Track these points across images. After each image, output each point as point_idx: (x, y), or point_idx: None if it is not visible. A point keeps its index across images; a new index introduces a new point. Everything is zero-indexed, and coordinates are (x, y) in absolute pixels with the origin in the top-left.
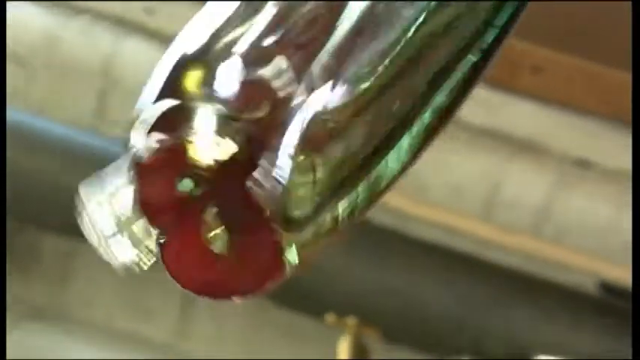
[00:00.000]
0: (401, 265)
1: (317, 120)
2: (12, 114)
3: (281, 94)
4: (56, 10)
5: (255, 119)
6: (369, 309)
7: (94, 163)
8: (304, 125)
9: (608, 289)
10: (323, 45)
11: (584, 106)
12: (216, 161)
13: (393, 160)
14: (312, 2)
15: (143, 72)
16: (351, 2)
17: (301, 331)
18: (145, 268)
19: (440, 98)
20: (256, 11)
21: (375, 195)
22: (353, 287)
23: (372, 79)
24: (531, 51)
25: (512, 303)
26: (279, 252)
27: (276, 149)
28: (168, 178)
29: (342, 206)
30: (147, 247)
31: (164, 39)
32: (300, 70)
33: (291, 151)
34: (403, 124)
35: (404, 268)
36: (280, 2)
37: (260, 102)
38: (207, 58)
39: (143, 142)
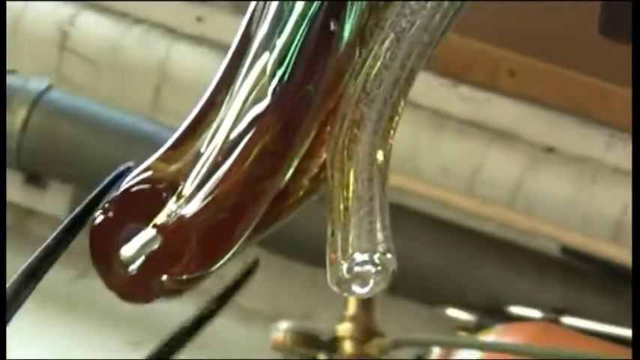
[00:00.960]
0: (399, 231)
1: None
2: (82, 103)
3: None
4: (119, 20)
5: None
6: None
7: (149, 145)
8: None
9: (569, 252)
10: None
11: (551, 102)
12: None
13: None
14: None
15: (191, 72)
16: None
17: (318, 281)
18: None
19: None
20: None
21: None
22: None
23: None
24: (508, 57)
25: (489, 262)
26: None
27: None
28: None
29: None
30: None
31: (210, 43)
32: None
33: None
34: None
35: (401, 234)
36: None
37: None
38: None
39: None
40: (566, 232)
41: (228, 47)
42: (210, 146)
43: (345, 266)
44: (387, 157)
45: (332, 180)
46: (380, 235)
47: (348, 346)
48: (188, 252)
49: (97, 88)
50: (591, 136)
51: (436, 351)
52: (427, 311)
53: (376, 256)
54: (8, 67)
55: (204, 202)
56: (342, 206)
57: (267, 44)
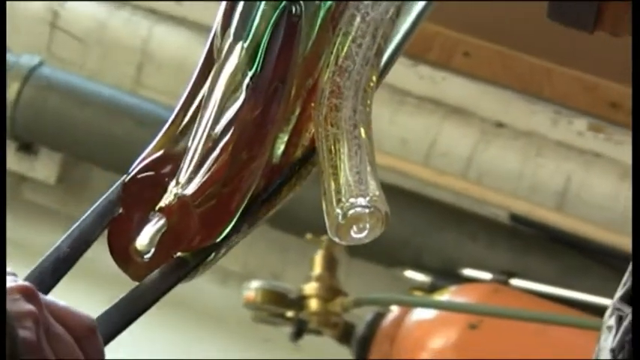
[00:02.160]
0: None
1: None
2: (70, 77)
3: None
4: (106, 2)
5: None
6: None
7: (132, 116)
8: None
9: (517, 219)
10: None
11: (501, 81)
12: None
13: None
14: None
15: (171, 51)
16: None
17: (287, 245)
18: None
19: None
20: None
21: None
22: None
23: None
24: (462, 40)
25: (444, 228)
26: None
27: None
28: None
29: None
30: None
31: (190, 25)
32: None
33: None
34: None
35: None
36: None
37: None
38: None
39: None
40: (514, 200)
41: (206, 28)
42: (197, 135)
43: (339, 212)
44: (367, 120)
45: (320, 147)
46: (368, 182)
47: (313, 304)
48: (193, 228)
49: (85, 65)
50: (538, 112)
51: (394, 309)
52: (386, 273)
53: (367, 199)
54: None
55: (201, 181)
56: (330, 167)
57: (238, 37)
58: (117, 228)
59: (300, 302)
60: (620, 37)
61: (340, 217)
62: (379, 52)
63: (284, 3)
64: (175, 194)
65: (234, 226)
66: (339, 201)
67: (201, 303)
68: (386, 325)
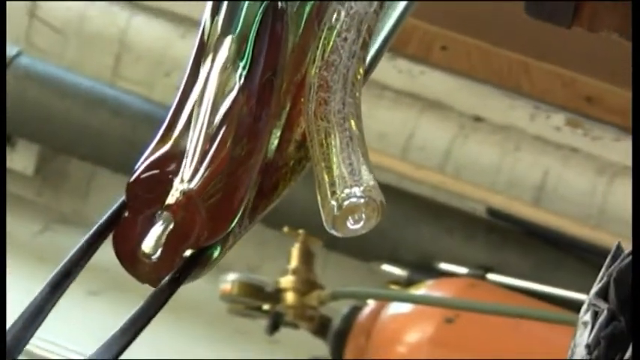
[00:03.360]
0: None
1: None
2: (49, 68)
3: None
4: None
5: None
6: (314, 224)
7: (110, 108)
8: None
9: (494, 213)
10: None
11: (479, 75)
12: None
13: None
14: None
15: (149, 42)
16: None
17: (264, 238)
18: None
19: None
20: None
21: None
22: (303, 208)
23: None
24: (441, 34)
25: (421, 222)
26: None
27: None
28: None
29: None
30: None
31: (168, 16)
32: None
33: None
34: None
35: None
36: None
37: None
38: None
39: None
40: (491, 195)
41: (184, 19)
42: (196, 130)
43: (335, 204)
44: (357, 112)
45: (311, 141)
46: (362, 172)
47: (290, 297)
48: (199, 223)
49: (63, 55)
50: (516, 106)
51: (370, 302)
52: (363, 266)
53: (361, 189)
54: None
55: (204, 175)
56: (323, 160)
57: (226, 31)
58: (122, 231)
59: (276, 295)
60: (597, 32)
61: (335, 208)
62: (365, 45)
63: None
64: (181, 191)
65: (237, 223)
66: (333, 193)
67: (176, 294)
68: (362, 319)
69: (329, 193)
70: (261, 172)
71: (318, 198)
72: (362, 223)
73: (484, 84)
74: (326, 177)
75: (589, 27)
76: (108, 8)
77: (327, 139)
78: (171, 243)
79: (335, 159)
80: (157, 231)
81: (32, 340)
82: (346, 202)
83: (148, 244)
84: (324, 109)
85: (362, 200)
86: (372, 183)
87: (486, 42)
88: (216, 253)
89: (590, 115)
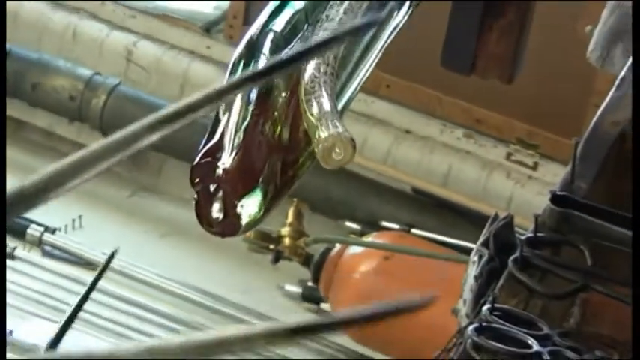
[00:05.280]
0: (322, 177)
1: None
2: (138, 93)
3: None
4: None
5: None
6: (305, 194)
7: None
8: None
9: (417, 191)
10: None
11: (409, 104)
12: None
13: None
14: None
15: (208, 79)
16: None
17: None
18: None
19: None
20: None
21: None
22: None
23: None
24: (386, 77)
25: (371, 195)
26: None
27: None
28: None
29: None
30: None
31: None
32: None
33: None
34: None
35: (321, 178)
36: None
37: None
38: None
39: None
40: (415, 179)
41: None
42: (229, 133)
43: (320, 147)
44: (330, 85)
45: (303, 112)
46: (335, 123)
47: (287, 241)
48: (234, 184)
49: (147, 84)
50: (431, 124)
51: (338, 246)
52: (333, 223)
53: (331, 132)
54: (90, 65)
55: (236, 159)
56: (309, 125)
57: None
58: (201, 203)
59: (278, 239)
60: (486, 79)
61: (321, 151)
62: (334, 74)
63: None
64: (222, 169)
65: (273, 196)
66: (317, 140)
67: (216, 239)
68: (332, 256)
69: (316, 142)
70: (282, 151)
71: (314, 148)
72: (342, 155)
73: (412, 109)
74: (315, 132)
75: (482, 75)
76: (175, 56)
77: (307, 111)
78: (226, 200)
79: (316, 117)
80: (216, 203)
81: (120, 264)
82: (326, 144)
83: (214, 214)
84: (306, 90)
85: (338, 140)
86: (341, 129)
87: (415, 83)
88: (259, 215)
89: (479, 130)
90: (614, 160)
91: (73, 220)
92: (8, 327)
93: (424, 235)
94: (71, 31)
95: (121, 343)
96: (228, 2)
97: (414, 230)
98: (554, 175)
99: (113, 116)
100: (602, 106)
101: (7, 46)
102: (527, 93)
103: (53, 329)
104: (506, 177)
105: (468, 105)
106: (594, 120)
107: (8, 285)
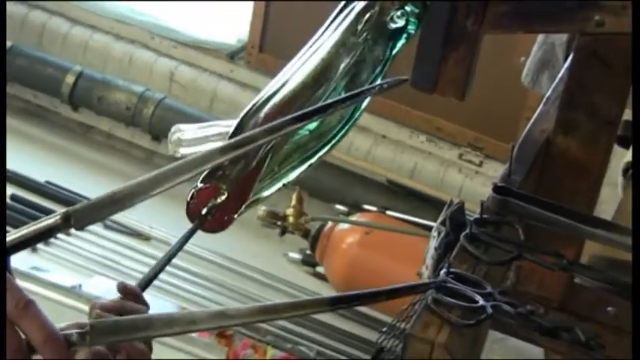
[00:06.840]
0: (315, 170)
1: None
2: (180, 105)
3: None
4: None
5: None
6: (305, 183)
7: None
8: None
9: (391, 182)
10: None
11: (384, 115)
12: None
13: None
14: None
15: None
16: None
17: (279, 191)
18: None
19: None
20: None
21: None
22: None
23: None
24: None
25: (356, 185)
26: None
27: None
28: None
29: None
30: None
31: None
32: None
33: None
34: None
35: (316, 170)
36: None
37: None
38: None
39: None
40: (390, 172)
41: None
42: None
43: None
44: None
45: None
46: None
47: (290, 219)
48: (233, 197)
49: (185, 98)
50: (401, 132)
51: (329, 223)
52: (326, 205)
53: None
54: (142, 83)
55: (238, 182)
56: None
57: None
58: (192, 207)
59: (284, 217)
60: (445, 96)
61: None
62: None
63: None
64: (223, 181)
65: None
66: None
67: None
68: (325, 231)
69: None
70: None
71: None
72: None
73: (387, 119)
74: None
75: (441, 93)
76: (207, 77)
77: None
78: (221, 211)
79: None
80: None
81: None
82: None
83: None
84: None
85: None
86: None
87: (389, 99)
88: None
89: (438, 136)
90: (542, 159)
91: None
92: (77, 282)
93: (396, 216)
94: (128, 57)
95: (188, 307)
96: (247, 35)
97: (388, 212)
98: (496, 171)
99: (159, 123)
100: (533, 118)
101: (79, 68)
102: (475, 108)
103: (112, 284)
104: (459, 172)
105: (430, 116)
106: (527, 129)
107: (77, 250)
